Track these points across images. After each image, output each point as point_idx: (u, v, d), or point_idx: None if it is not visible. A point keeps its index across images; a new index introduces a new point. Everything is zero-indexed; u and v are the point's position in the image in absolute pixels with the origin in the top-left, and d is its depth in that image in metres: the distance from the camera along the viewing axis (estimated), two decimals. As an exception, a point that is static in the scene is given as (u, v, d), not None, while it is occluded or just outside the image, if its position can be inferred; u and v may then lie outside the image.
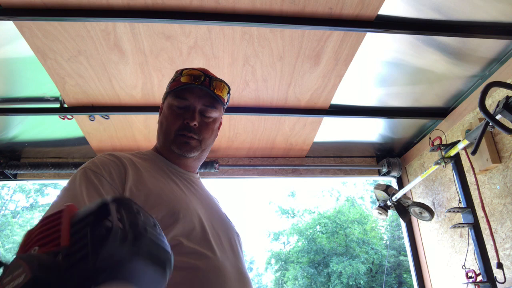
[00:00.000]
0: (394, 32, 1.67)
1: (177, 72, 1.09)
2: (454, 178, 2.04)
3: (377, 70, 2.01)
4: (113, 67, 1.83)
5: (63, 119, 2.16)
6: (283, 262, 18.36)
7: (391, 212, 2.59)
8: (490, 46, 1.78)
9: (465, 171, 1.97)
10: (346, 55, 1.81)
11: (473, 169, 1.94)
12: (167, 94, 1.07)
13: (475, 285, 1.75)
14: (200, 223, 0.90)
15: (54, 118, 2.16)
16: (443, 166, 2.02)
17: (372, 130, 2.63)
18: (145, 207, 0.80)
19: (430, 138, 2.19)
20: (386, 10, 1.58)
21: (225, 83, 1.08)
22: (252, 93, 2.07)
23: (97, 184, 0.80)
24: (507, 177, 1.78)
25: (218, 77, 1.08)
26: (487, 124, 1.54)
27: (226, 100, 1.09)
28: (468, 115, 2.07)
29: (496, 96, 1.84)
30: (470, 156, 1.91)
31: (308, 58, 1.83)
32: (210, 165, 2.59)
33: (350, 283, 14.88)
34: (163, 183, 0.93)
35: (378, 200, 2.61)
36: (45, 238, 0.44)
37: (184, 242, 0.83)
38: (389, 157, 2.80)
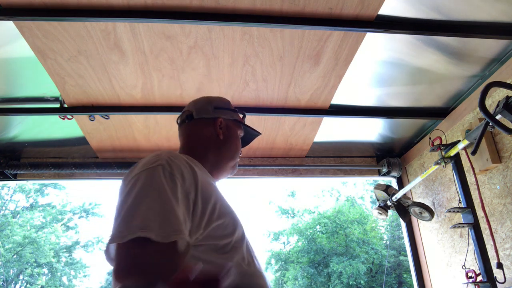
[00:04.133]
0: (394, 32, 1.67)
1: (230, 103, 1.30)
2: (454, 178, 2.04)
3: (377, 70, 2.01)
4: (113, 67, 1.83)
5: (63, 119, 2.16)
6: (283, 262, 18.37)
7: (391, 212, 2.59)
8: (490, 46, 1.78)
9: (465, 171, 1.97)
10: (346, 55, 1.81)
11: (473, 169, 1.94)
12: (231, 120, 1.23)
13: (475, 285, 1.75)
14: (244, 231, 1.01)
15: (54, 118, 2.16)
16: (443, 166, 2.02)
17: (372, 130, 2.63)
18: (215, 214, 0.88)
19: (430, 138, 2.19)
20: (386, 10, 1.58)
21: None
22: (252, 93, 2.07)
23: (173, 186, 0.83)
24: (507, 177, 1.78)
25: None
26: (487, 124, 1.54)
27: None
28: (468, 115, 2.07)
29: (496, 96, 1.84)
30: (470, 156, 1.91)
31: (308, 58, 1.83)
32: (210, 165, 2.59)
33: (350, 283, 14.89)
34: (218, 191, 1.01)
35: (378, 200, 2.61)
36: None
37: (239, 249, 0.93)
38: (389, 157, 2.80)
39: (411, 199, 2.51)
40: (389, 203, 2.49)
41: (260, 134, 1.37)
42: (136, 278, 0.71)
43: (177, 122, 1.27)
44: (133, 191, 0.81)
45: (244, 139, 1.31)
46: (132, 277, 0.71)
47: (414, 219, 2.63)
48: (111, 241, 0.76)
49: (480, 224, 1.83)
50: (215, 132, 1.18)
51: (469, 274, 1.79)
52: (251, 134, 1.33)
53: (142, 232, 0.73)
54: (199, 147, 1.16)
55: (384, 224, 16.90)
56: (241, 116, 1.33)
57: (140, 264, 0.72)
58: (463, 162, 2.00)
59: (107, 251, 0.84)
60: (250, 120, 2.34)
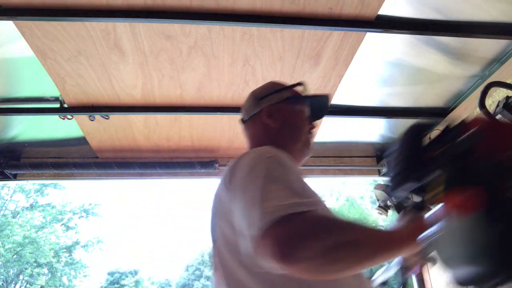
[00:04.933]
0: (394, 32, 1.67)
1: (278, 84, 1.24)
2: (454, 178, 2.04)
3: (377, 70, 2.01)
4: (113, 67, 1.83)
5: (63, 119, 2.16)
6: (283, 262, 18.37)
7: (391, 212, 2.58)
8: (490, 46, 1.78)
9: (465, 171, 1.97)
10: (346, 55, 1.81)
11: (473, 169, 1.94)
12: (282, 101, 1.16)
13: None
14: None
15: (54, 118, 2.16)
16: (443, 166, 2.02)
17: (372, 130, 2.63)
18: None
19: (430, 138, 2.19)
20: (386, 10, 1.58)
21: None
22: (252, 93, 2.07)
23: (289, 169, 0.85)
24: (507, 177, 1.78)
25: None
26: (487, 124, 1.54)
27: None
28: (468, 115, 2.07)
29: (496, 96, 1.84)
30: (470, 156, 1.91)
31: (308, 58, 1.83)
32: (210, 165, 2.58)
33: (350, 283, 14.90)
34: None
35: (378, 200, 2.60)
36: None
37: None
38: (389, 157, 2.80)
39: (411, 199, 2.51)
40: (389, 203, 2.49)
41: (327, 95, 1.26)
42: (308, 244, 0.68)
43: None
44: (258, 181, 0.80)
45: (314, 110, 1.21)
46: (302, 245, 0.68)
47: (414, 219, 2.63)
48: (260, 230, 0.71)
49: (480, 224, 1.83)
50: (265, 124, 1.15)
51: (469, 274, 1.79)
52: (318, 101, 1.23)
53: (281, 211, 0.70)
54: (265, 144, 1.10)
55: (384, 224, 16.91)
56: (299, 88, 1.22)
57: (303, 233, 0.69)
58: (463, 162, 2.00)
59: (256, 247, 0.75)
60: (250, 120, 2.33)
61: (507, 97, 1.42)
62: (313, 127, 1.20)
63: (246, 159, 0.90)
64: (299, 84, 1.21)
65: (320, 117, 1.25)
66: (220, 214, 0.96)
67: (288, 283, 0.78)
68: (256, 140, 1.17)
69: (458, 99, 2.21)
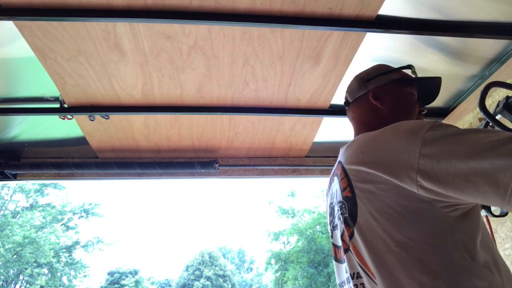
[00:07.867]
0: (394, 32, 1.67)
1: (386, 66, 1.24)
2: (454, 178, 2.04)
3: (377, 70, 2.01)
4: (113, 67, 1.83)
5: (63, 119, 2.16)
6: (283, 262, 18.39)
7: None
8: (490, 46, 1.78)
9: (465, 171, 1.97)
10: (346, 55, 1.81)
11: (473, 169, 1.94)
12: (391, 82, 1.17)
13: (475, 285, 1.75)
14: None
15: (54, 118, 2.16)
16: (443, 166, 2.02)
17: (372, 130, 2.63)
18: None
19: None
20: (386, 10, 1.58)
21: None
22: (252, 93, 2.08)
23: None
24: (507, 177, 1.78)
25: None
26: (487, 124, 1.54)
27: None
28: (468, 115, 2.07)
29: (496, 96, 1.84)
30: (470, 156, 1.91)
31: (308, 58, 1.83)
32: (210, 165, 2.59)
33: (350, 283, 14.89)
34: None
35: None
36: None
37: None
38: (389, 157, 2.79)
39: (411, 199, 2.51)
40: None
41: (439, 77, 1.21)
42: None
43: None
44: (455, 133, 0.80)
45: (425, 92, 1.20)
46: None
47: (414, 219, 2.63)
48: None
49: (480, 224, 1.83)
50: (373, 105, 1.15)
51: (469, 274, 1.79)
52: (429, 83, 1.21)
53: None
54: (373, 126, 1.09)
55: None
56: (409, 71, 1.21)
57: None
58: (463, 162, 1.99)
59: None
60: (250, 120, 2.34)
61: (507, 97, 1.41)
62: (423, 110, 1.18)
63: (416, 125, 0.89)
64: (408, 66, 1.21)
65: (430, 100, 1.23)
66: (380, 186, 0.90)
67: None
68: (365, 121, 1.17)
69: (458, 99, 2.21)
